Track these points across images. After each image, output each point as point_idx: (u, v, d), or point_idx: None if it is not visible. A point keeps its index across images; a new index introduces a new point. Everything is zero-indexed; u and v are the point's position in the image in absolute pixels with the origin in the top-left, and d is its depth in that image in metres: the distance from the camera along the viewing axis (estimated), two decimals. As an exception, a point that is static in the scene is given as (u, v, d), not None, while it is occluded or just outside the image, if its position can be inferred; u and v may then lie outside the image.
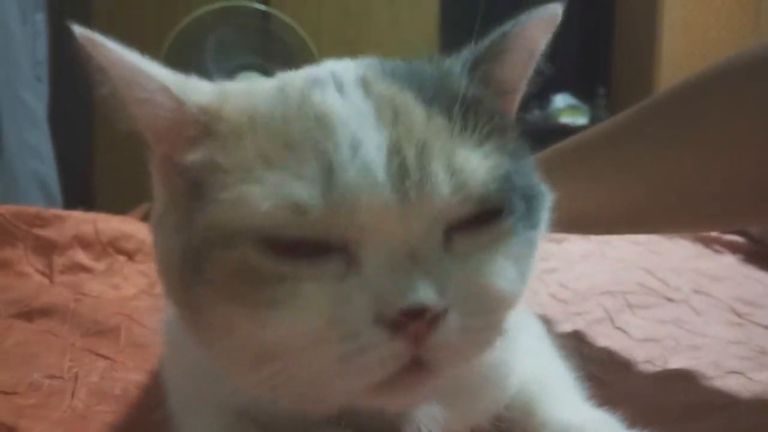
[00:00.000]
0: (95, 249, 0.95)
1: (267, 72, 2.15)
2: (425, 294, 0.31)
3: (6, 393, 0.56)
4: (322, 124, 0.33)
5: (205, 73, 0.40)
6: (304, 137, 0.33)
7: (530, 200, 0.38)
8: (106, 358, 0.64)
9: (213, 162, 0.35)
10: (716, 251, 1.22)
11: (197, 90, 0.38)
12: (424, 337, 0.32)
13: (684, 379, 0.62)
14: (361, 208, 0.32)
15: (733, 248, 1.22)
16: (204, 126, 0.36)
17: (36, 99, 1.89)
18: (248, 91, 0.38)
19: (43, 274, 0.90)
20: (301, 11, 2.22)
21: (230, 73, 2.15)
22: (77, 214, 0.97)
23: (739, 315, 0.84)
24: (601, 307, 0.85)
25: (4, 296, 0.79)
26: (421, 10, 2.50)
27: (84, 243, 0.94)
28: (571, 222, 0.75)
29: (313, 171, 0.32)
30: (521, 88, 0.43)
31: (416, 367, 0.32)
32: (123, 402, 0.56)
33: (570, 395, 0.50)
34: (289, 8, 2.12)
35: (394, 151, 0.32)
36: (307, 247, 0.32)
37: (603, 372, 0.65)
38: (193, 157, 0.36)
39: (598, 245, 1.24)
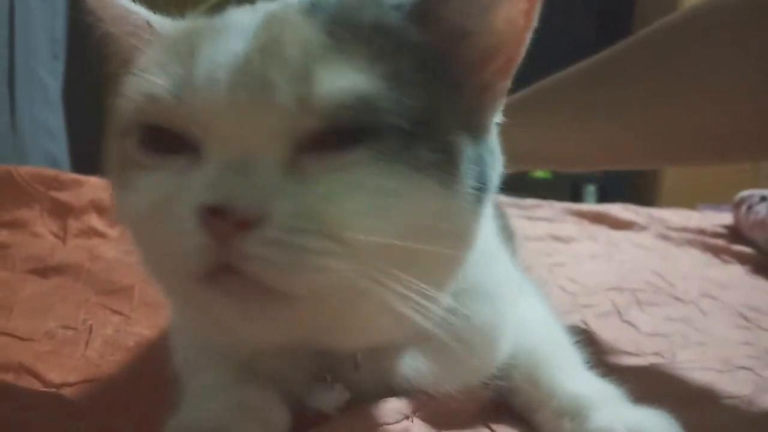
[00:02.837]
0: (110, 215, 0.95)
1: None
2: (234, 197, 0.31)
3: (23, 339, 0.56)
4: (213, 33, 0.36)
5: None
6: (197, 43, 0.36)
7: (417, 136, 0.35)
8: (119, 314, 0.64)
9: (136, 65, 0.38)
10: (725, 261, 1.23)
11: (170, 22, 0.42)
12: (230, 240, 0.32)
13: (692, 370, 0.62)
14: (202, 107, 0.34)
15: (741, 259, 1.22)
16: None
17: (52, 77, 1.89)
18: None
19: (56, 236, 0.90)
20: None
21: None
22: (95, 180, 0.97)
23: (746, 319, 0.84)
24: (609, 301, 0.85)
25: (18, 253, 0.79)
26: None
27: (99, 208, 0.94)
28: (554, 159, 0.77)
29: (181, 70, 0.35)
30: (502, 43, 0.39)
31: (233, 274, 0.32)
32: (136, 354, 0.56)
33: (574, 365, 0.50)
34: None
35: (247, 59, 0.34)
36: (169, 141, 0.35)
37: (609, 359, 0.65)
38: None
39: (605, 247, 1.24)
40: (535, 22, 0.38)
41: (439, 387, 0.45)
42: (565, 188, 2.57)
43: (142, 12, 0.42)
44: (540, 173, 2.47)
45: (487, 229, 0.46)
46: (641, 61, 0.63)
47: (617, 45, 0.65)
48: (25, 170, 0.95)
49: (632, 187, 2.58)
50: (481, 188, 0.38)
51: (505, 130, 0.44)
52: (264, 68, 0.33)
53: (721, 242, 1.31)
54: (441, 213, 0.36)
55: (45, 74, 1.86)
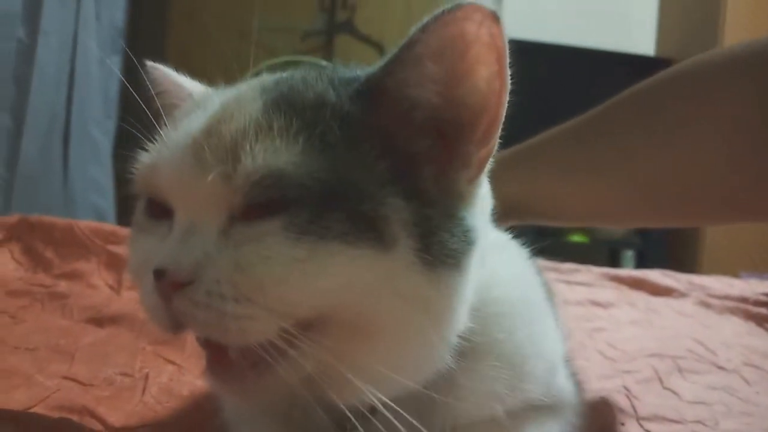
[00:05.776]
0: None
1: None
2: (171, 262, 0.36)
3: (84, 384, 0.60)
4: (193, 108, 0.42)
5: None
6: (181, 119, 0.41)
7: (330, 207, 0.36)
8: (173, 363, 0.67)
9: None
10: (768, 330, 1.21)
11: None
12: (168, 298, 0.36)
13: (737, 439, 0.62)
14: (164, 181, 0.39)
15: (785, 328, 1.20)
16: None
17: (104, 135, 1.99)
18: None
19: (111, 287, 0.95)
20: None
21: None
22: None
23: (792, 390, 0.83)
24: (650, 367, 0.84)
25: (77, 302, 0.84)
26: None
27: (152, 262, 0.99)
28: (543, 215, 0.78)
29: (161, 146, 0.40)
30: (448, 108, 0.39)
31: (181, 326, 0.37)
32: (190, 402, 0.59)
33: None
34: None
35: (194, 139, 0.38)
36: (161, 207, 0.40)
37: (651, 426, 0.65)
38: None
39: (645, 313, 1.23)
40: (508, 84, 0.39)
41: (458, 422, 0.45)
42: (602, 253, 2.56)
43: (189, 85, 0.48)
44: (577, 237, 2.46)
45: (506, 290, 0.48)
46: (623, 119, 0.65)
47: (604, 103, 0.67)
48: (85, 224, 1.01)
49: (671, 252, 2.55)
50: (439, 256, 0.38)
51: (495, 183, 0.44)
52: (203, 148, 0.38)
53: (764, 311, 1.29)
54: (373, 278, 0.37)
55: (97, 133, 1.96)
